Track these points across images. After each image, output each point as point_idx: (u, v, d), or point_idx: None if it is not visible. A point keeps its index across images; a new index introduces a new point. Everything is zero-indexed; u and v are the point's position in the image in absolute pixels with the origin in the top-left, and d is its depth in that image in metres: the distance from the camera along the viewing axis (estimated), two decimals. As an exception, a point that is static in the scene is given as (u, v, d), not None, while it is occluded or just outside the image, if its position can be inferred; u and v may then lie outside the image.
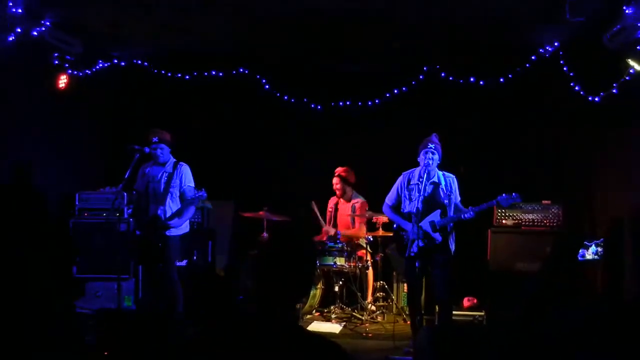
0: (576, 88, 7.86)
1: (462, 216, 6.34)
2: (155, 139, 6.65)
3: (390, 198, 6.83)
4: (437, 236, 6.41)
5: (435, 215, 6.42)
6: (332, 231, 8.49)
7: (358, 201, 8.63)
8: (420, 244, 6.26)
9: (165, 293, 6.64)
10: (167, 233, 6.58)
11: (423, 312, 6.70)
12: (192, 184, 6.77)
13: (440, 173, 6.55)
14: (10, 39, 7.04)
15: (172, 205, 6.65)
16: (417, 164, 6.59)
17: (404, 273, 7.22)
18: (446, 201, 6.44)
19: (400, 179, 6.78)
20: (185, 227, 6.84)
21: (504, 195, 6.27)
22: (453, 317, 7.63)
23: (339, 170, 8.65)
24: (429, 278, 6.82)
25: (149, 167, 6.77)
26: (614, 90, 7.43)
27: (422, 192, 6.38)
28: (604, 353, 3.74)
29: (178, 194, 6.71)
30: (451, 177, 6.60)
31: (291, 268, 2.43)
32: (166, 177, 6.66)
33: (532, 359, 3.98)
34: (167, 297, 6.62)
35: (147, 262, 6.94)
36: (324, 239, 8.48)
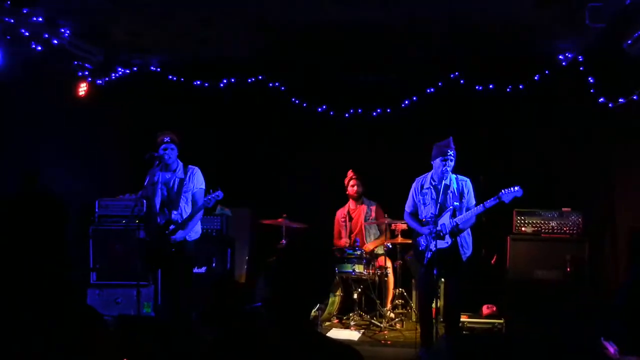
0: (596, 95, 7.81)
1: (462, 220, 6.34)
2: (167, 139, 6.61)
3: (408, 205, 6.83)
4: (447, 238, 6.38)
5: (446, 218, 6.40)
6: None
7: (372, 205, 8.67)
8: (433, 248, 6.23)
9: (179, 299, 6.63)
10: (180, 239, 6.57)
11: (441, 319, 6.67)
12: (203, 187, 6.73)
13: (454, 176, 6.51)
14: (31, 47, 7.12)
15: (186, 208, 6.62)
16: (431, 167, 6.59)
17: (418, 280, 7.19)
18: (456, 203, 6.40)
19: (414, 184, 6.77)
20: (197, 232, 6.83)
21: (504, 190, 6.21)
22: (472, 325, 7.62)
23: (352, 173, 8.74)
24: (446, 285, 6.82)
25: (158, 173, 6.71)
26: (635, 97, 7.38)
27: (434, 197, 6.38)
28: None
29: (191, 197, 6.70)
30: (465, 180, 6.56)
31: (308, 275, 2.43)
32: (178, 182, 6.64)
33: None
34: (180, 304, 6.61)
35: (163, 269, 6.95)
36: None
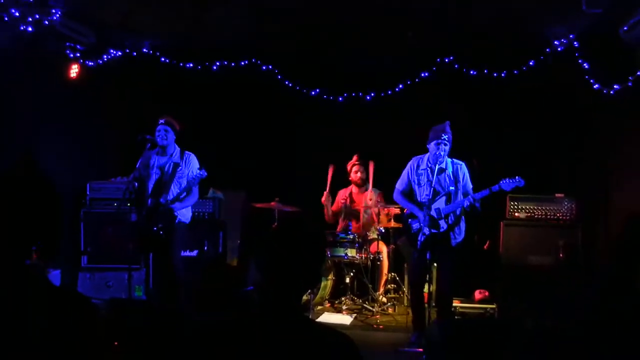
0: (591, 81, 7.80)
1: (464, 203, 6.29)
2: (162, 120, 6.58)
3: (400, 183, 6.76)
4: (442, 224, 6.36)
5: (441, 202, 6.38)
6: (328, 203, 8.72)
7: (377, 193, 8.64)
8: (426, 231, 6.22)
9: (169, 282, 6.59)
10: (174, 221, 6.53)
11: (434, 304, 6.67)
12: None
13: (449, 160, 6.48)
14: (22, 28, 7.04)
15: (175, 193, 6.60)
16: (426, 150, 6.56)
17: (410, 263, 7.17)
18: (452, 188, 6.38)
19: (410, 162, 6.72)
20: (188, 215, 6.78)
21: (506, 179, 6.19)
22: (464, 310, 7.63)
23: (356, 158, 8.69)
24: (437, 270, 6.80)
25: (154, 156, 6.67)
26: (630, 83, 7.36)
27: (430, 178, 6.36)
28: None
29: (185, 183, 6.62)
30: (460, 164, 6.53)
31: (298, 260, 2.40)
32: (172, 166, 6.58)
33: (544, 354, 3.95)
34: (171, 287, 6.58)
35: (154, 252, 6.91)
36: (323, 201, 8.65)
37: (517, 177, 6.17)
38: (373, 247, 8.26)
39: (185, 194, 6.56)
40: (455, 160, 6.52)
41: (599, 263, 7.60)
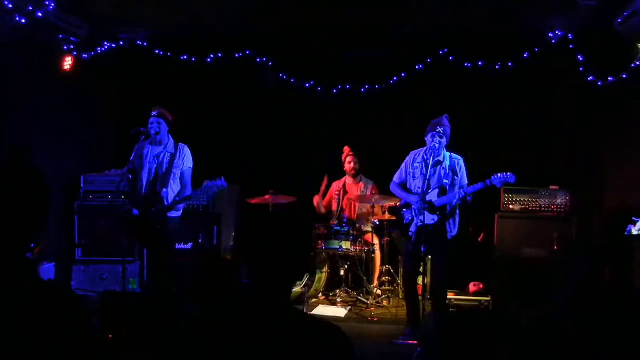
0: (585, 73, 7.79)
1: (454, 197, 6.27)
2: (154, 113, 6.56)
3: (397, 176, 6.77)
4: (435, 216, 6.35)
5: (433, 195, 6.36)
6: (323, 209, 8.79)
7: (370, 184, 8.63)
8: (419, 223, 6.20)
9: (163, 275, 6.59)
10: (168, 214, 6.51)
11: (428, 296, 6.67)
12: (192, 166, 6.67)
13: (448, 154, 6.47)
14: (15, 20, 7.00)
15: (173, 186, 6.55)
16: (425, 144, 6.54)
17: (404, 255, 7.17)
18: (446, 181, 6.36)
19: (408, 157, 6.72)
20: (179, 211, 6.75)
21: (497, 174, 6.18)
22: (459, 302, 7.63)
23: (348, 149, 8.68)
24: (431, 262, 6.80)
25: (147, 146, 6.62)
26: (624, 76, 7.35)
27: (424, 171, 6.34)
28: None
29: (179, 175, 6.63)
30: (458, 158, 6.51)
31: (284, 253, 2.40)
32: (169, 157, 6.55)
33: (539, 346, 3.96)
34: (163, 279, 6.57)
35: (150, 244, 6.89)
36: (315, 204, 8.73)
37: (508, 173, 6.14)
38: (367, 240, 8.26)
39: (182, 192, 6.57)
40: (453, 155, 6.51)
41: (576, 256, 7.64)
